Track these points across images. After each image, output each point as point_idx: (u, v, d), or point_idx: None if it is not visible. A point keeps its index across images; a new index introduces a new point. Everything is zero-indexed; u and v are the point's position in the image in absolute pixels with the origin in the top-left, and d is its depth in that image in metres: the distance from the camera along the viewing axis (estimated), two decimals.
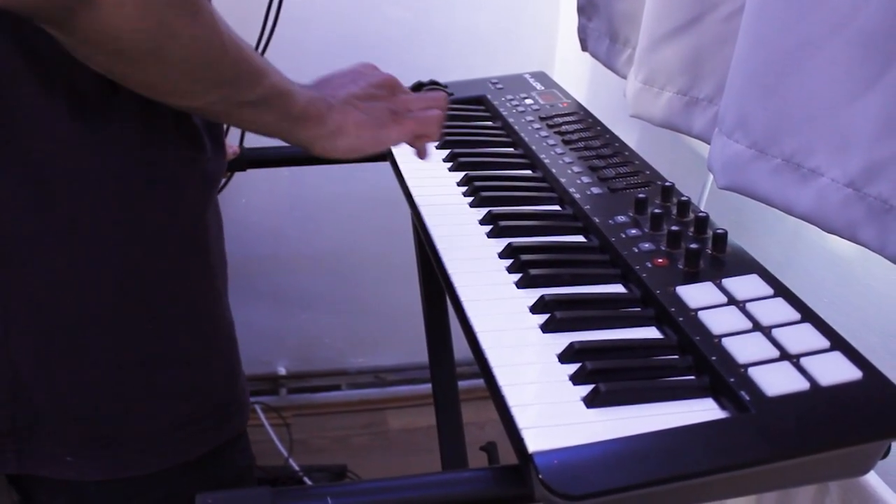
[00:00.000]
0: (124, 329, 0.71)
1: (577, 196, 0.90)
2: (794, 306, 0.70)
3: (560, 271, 0.78)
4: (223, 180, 0.89)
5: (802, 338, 0.66)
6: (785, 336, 0.66)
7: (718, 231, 0.78)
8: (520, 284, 0.77)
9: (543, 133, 1.07)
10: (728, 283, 0.73)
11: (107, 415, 0.73)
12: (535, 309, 0.73)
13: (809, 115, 0.74)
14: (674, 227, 0.79)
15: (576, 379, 0.64)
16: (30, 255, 0.68)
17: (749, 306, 0.70)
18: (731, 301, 0.71)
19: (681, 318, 0.69)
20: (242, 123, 0.74)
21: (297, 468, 1.77)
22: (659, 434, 0.58)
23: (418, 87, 1.22)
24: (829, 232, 0.75)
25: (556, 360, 0.66)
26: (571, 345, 0.67)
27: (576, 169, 0.97)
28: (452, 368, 1.39)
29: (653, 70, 1.00)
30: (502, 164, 1.03)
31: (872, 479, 0.75)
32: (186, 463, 0.76)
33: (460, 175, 0.99)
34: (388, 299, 1.88)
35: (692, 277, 0.74)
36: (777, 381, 0.61)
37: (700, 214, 0.81)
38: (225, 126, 0.87)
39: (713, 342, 0.66)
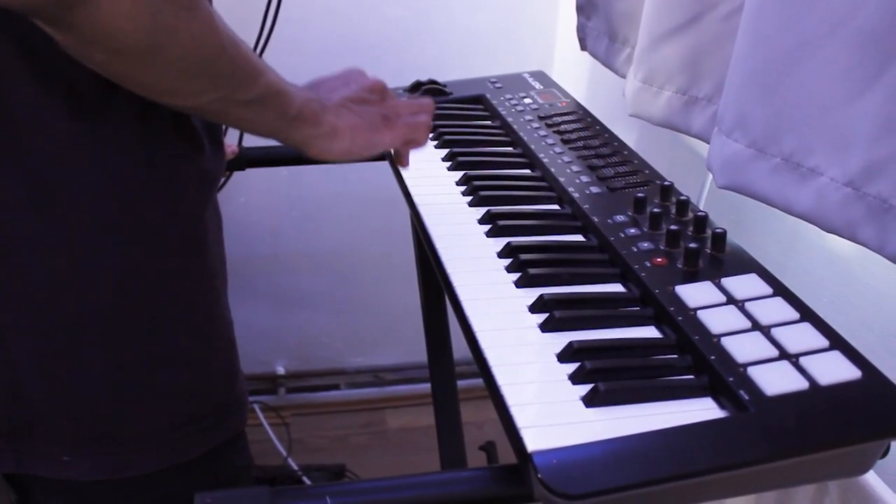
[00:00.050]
0: (123, 329, 0.71)
1: (575, 195, 0.90)
2: (793, 306, 0.70)
3: (559, 270, 0.78)
4: (222, 180, 0.89)
5: (801, 337, 0.66)
6: (784, 335, 0.66)
7: (717, 230, 0.78)
8: (519, 284, 0.77)
9: (542, 132, 1.07)
10: (727, 282, 0.73)
11: (105, 414, 0.73)
12: (534, 308, 0.73)
13: (808, 114, 0.74)
14: (673, 227, 0.79)
15: (575, 378, 0.64)
16: (28, 254, 0.68)
17: (748, 306, 0.70)
18: (730, 300, 0.71)
19: (680, 318, 0.69)
20: (239, 123, 0.74)
21: (295, 467, 1.77)
22: (658, 433, 0.58)
23: (417, 86, 1.22)
24: (828, 231, 0.75)
25: (555, 359, 0.66)
26: (570, 344, 0.67)
27: (575, 168, 0.97)
28: (451, 368, 1.39)
29: (652, 69, 1.00)
30: (501, 164, 1.03)
31: (871, 478, 0.75)
32: (185, 463, 0.76)
33: (459, 174, 0.99)
34: (386, 299, 1.88)
35: (691, 277, 0.74)
36: (776, 380, 0.61)
37: (699, 214, 0.81)
38: (223, 126, 0.87)
39: (712, 341, 0.66)
